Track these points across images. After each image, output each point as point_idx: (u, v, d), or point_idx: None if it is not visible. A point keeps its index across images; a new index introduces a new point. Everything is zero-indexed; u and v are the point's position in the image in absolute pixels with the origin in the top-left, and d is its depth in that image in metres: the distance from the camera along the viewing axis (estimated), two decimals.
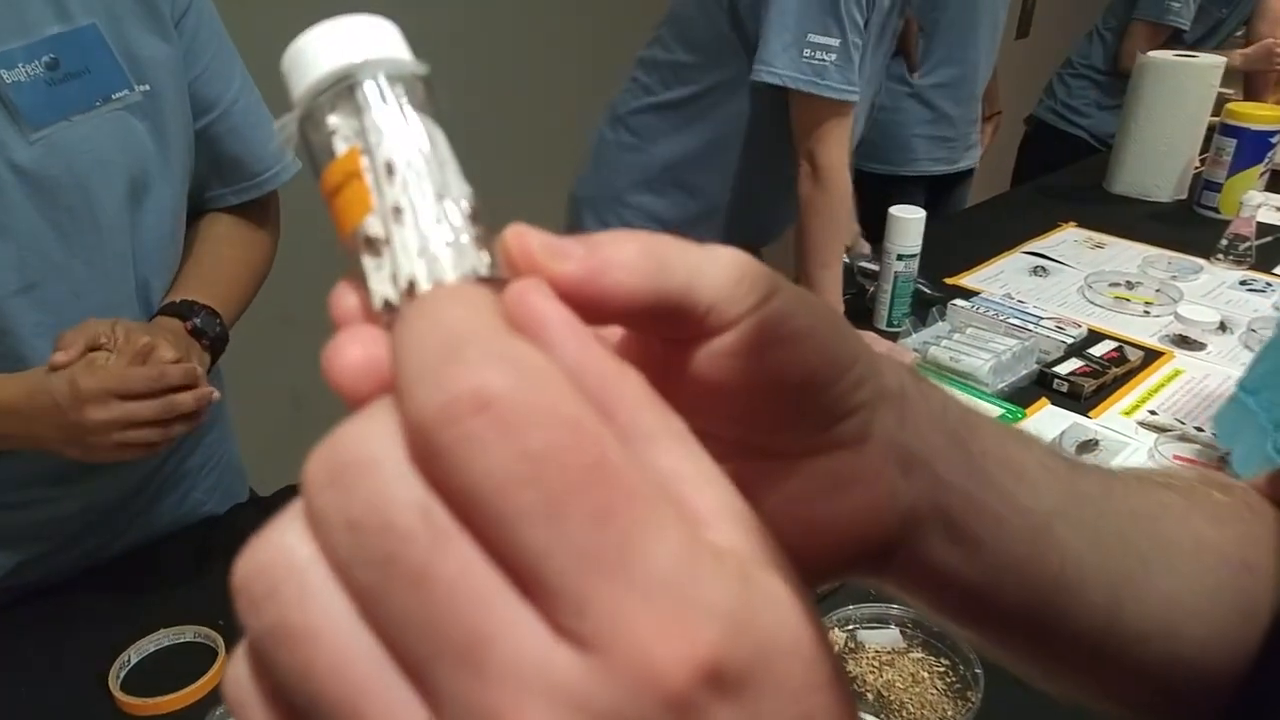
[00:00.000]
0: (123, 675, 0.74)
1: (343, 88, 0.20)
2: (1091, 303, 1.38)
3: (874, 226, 1.41)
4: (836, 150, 1.22)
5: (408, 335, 0.15)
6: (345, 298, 0.19)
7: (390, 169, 0.19)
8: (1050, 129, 2.29)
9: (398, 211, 0.19)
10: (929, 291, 1.33)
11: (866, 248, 1.44)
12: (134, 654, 0.75)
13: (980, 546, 0.24)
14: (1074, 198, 1.83)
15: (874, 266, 1.33)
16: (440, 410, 0.14)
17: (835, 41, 1.18)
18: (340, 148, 0.19)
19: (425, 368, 0.14)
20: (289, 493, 0.87)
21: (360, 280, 0.19)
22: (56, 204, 0.73)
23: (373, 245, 0.19)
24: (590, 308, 0.18)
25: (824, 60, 1.18)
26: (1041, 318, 1.28)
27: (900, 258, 1.24)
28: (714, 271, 0.20)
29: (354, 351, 0.17)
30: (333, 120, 0.20)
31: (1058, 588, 0.26)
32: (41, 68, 0.70)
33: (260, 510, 0.98)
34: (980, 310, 1.28)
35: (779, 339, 0.20)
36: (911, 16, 1.77)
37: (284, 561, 0.15)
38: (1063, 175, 2.02)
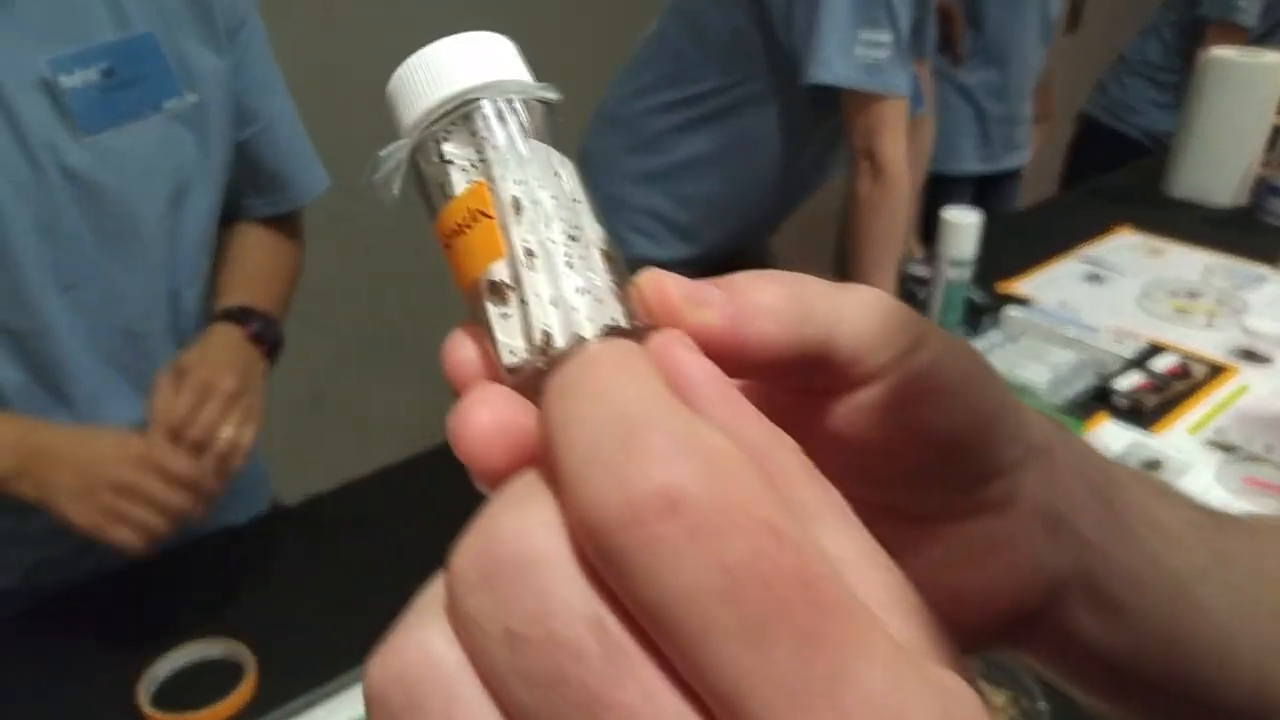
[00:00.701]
0: (153, 690, 0.73)
1: (461, 114, 0.18)
2: (1150, 313, 1.34)
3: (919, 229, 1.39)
4: (896, 146, 1.21)
5: (570, 412, 0.13)
6: (461, 348, 0.17)
7: (517, 206, 0.17)
8: (1102, 127, 2.25)
9: (528, 255, 0.17)
10: (980, 301, 1.31)
11: (918, 251, 1.42)
12: (163, 668, 0.74)
13: (1123, 613, 0.23)
14: (1128, 200, 1.79)
15: (923, 273, 1.30)
16: (621, 511, 0.12)
17: (887, 37, 1.16)
18: (458, 181, 0.18)
19: (598, 457, 0.13)
20: (314, 504, 0.87)
21: (480, 329, 0.17)
22: (101, 208, 0.75)
23: (499, 292, 0.17)
24: (731, 360, 0.16)
25: (877, 57, 1.16)
26: (1098, 328, 1.25)
27: (954, 264, 1.22)
28: (859, 318, 0.18)
29: (483, 416, 0.15)
30: (449, 149, 0.18)
31: (1202, 658, 0.24)
32: (97, 74, 0.72)
33: (286, 521, 0.98)
34: (1035, 320, 1.26)
35: (926, 394, 0.19)
36: (955, 7, 1.74)
37: (428, 667, 0.13)
38: (1116, 176, 1.98)
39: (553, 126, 0.18)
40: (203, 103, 0.79)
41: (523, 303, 0.17)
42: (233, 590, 0.85)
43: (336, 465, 1.12)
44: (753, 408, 0.15)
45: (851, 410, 0.19)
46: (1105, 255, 1.55)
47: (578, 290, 0.17)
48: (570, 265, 0.17)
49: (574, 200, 0.18)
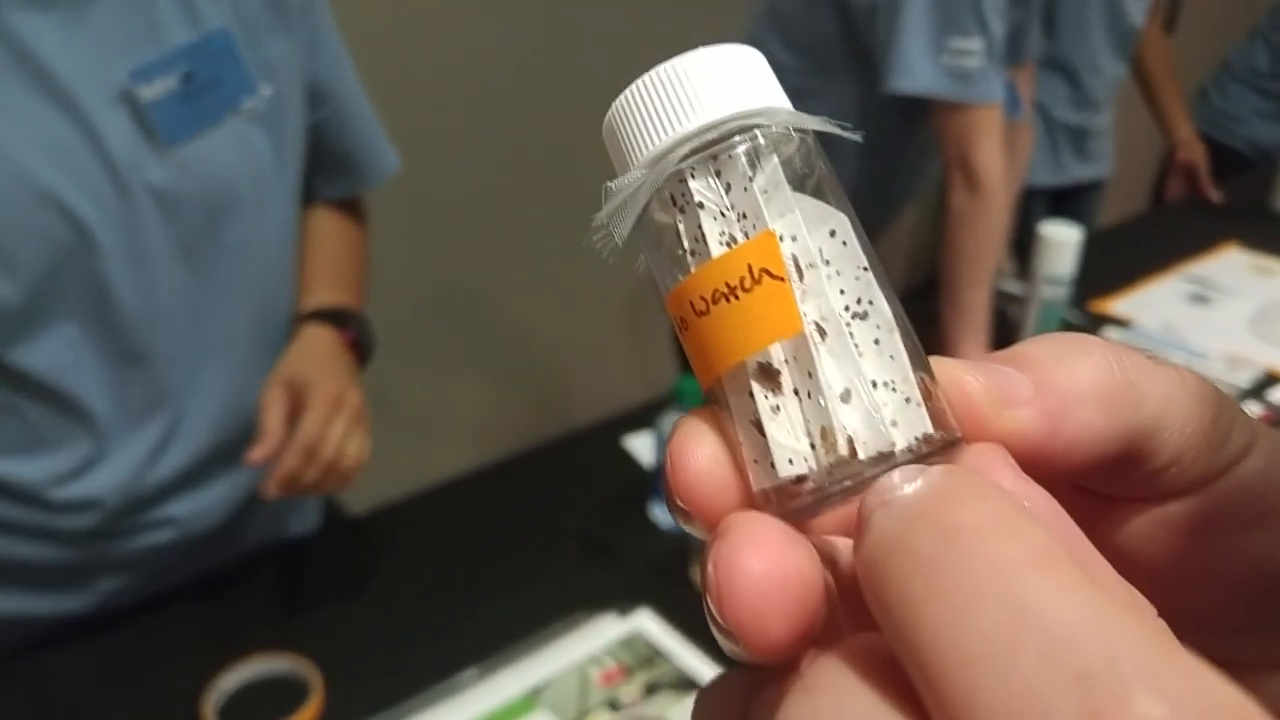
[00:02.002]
0: (219, 705, 0.72)
1: (714, 150, 0.15)
2: (1265, 338, 1.28)
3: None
4: (991, 156, 1.16)
5: (961, 625, 0.10)
6: (700, 448, 0.14)
7: (802, 268, 0.14)
8: (1202, 138, 2.16)
9: (819, 330, 0.14)
10: (1076, 322, 1.26)
11: (1008, 266, 1.37)
12: (229, 683, 0.74)
13: None
14: (1232, 215, 1.71)
15: (1016, 290, 1.25)
16: None
17: (977, 44, 1.11)
18: (714, 231, 0.14)
19: (1030, 704, 0.09)
20: (383, 515, 0.86)
21: (723, 420, 0.14)
22: (185, 224, 0.73)
23: (771, 377, 0.14)
24: (1043, 468, 0.13)
25: (967, 65, 1.11)
26: (1208, 355, 1.18)
27: (1050, 283, 1.17)
28: (1186, 409, 0.15)
29: (754, 566, 0.12)
30: (699, 189, 0.15)
31: None
32: (176, 81, 0.69)
33: (355, 533, 0.97)
34: (1138, 343, 1.20)
35: (1255, 516, 0.15)
36: None
37: None
38: (1218, 190, 1.89)
39: (816, 171, 0.15)
40: (277, 94, 0.77)
41: (807, 395, 0.13)
42: (300, 604, 0.84)
43: (403, 470, 1.11)
44: (1104, 560, 0.12)
45: (1153, 525, 0.15)
46: (1210, 274, 1.48)
47: (880, 384, 0.13)
48: (863, 350, 0.14)
49: (860, 267, 0.14)
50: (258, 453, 0.72)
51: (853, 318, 0.14)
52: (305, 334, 0.81)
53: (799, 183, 0.15)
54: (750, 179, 0.14)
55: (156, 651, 0.78)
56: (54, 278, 0.68)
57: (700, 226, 0.15)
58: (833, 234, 0.14)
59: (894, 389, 0.14)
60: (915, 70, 1.14)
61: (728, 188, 0.15)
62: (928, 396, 0.14)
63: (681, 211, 0.15)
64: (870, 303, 0.14)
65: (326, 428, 0.74)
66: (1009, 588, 0.10)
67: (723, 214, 0.14)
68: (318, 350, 0.80)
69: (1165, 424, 0.14)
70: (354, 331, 0.83)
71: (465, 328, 1.91)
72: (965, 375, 0.14)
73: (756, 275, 0.14)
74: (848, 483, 0.13)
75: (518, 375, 2.00)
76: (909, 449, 0.13)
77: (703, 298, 0.14)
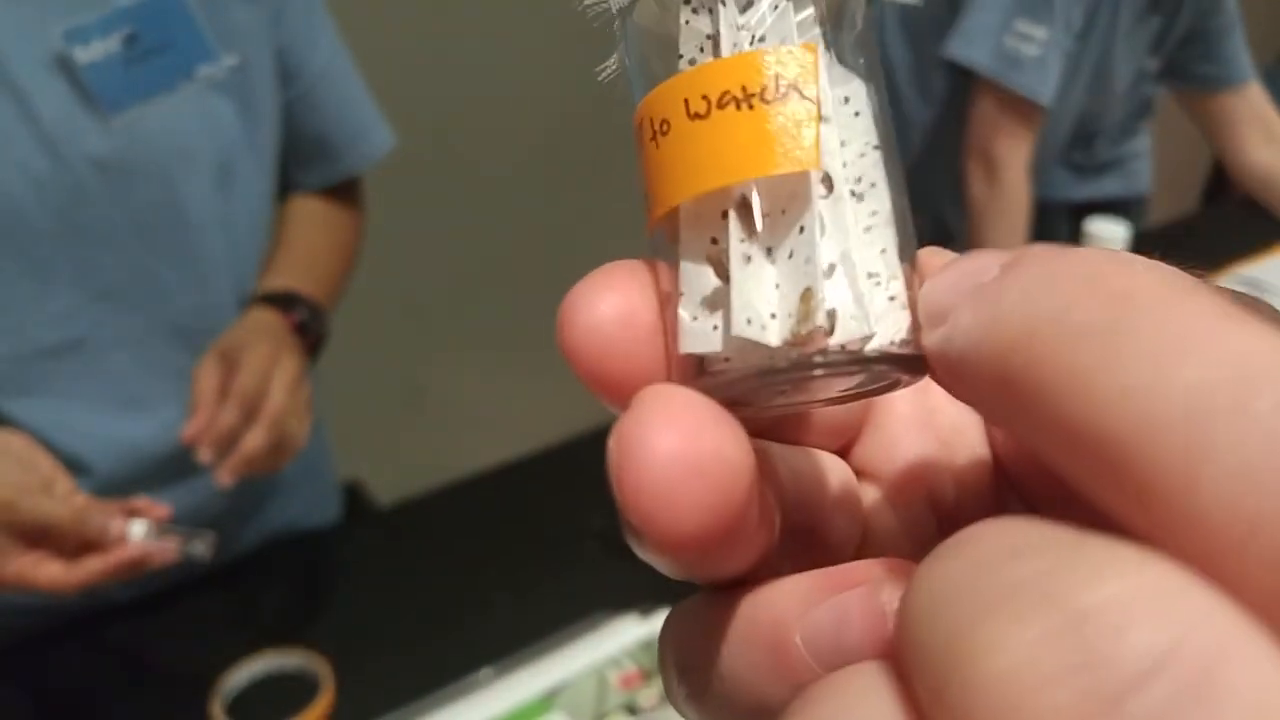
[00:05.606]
0: (227, 701, 0.71)
1: None
2: None
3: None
4: (1015, 151, 1.14)
5: (1154, 379, 0.08)
6: (602, 293, 0.12)
7: (820, 116, 0.12)
8: None
9: (827, 185, 0.12)
10: None
11: None
12: (239, 678, 0.73)
13: None
14: None
15: None
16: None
17: (1042, 33, 1.09)
18: (728, 40, 0.12)
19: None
20: (404, 509, 0.84)
21: (659, 268, 0.12)
22: (137, 199, 0.69)
23: (754, 218, 0.12)
24: None
25: (1025, 51, 1.09)
26: None
27: None
28: None
29: (667, 444, 0.10)
30: None
31: None
32: (118, 43, 0.65)
33: (373, 527, 0.96)
34: None
35: None
36: None
37: None
38: None
39: (849, 22, 0.13)
40: (244, 64, 0.72)
41: (789, 254, 0.12)
42: (314, 598, 0.84)
43: (427, 464, 1.10)
44: None
45: None
46: (1264, 277, 1.44)
47: (869, 275, 0.12)
48: (854, 233, 0.12)
49: (869, 144, 0.13)
50: (191, 428, 0.67)
51: (849, 196, 0.12)
52: (246, 315, 0.77)
53: (829, 33, 0.13)
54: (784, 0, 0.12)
55: (165, 645, 0.79)
56: None
57: (715, 33, 0.12)
58: (846, 100, 0.13)
59: (878, 283, 0.12)
60: (975, 41, 1.12)
61: (747, 4, 0.12)
62: (910, 302, 0.12)
63: (694, 11, 0.13)
64: (872, 185, 0.12)
65: (265, 382, 0.69)
66: (1216, 343, 0.08)
67: (740, 29, 0.12)
68: (254, 327, 0.75)
69: None
70: (298, 315, 0.77)
71: (493, 321, 1.90)
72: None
73: (783, 89, 0.12)
74: (816, 361, 0.11)
75: (544, 369, 1.99)
76: (880, 350, 0.12)
77: (705, 97, 0.12)
